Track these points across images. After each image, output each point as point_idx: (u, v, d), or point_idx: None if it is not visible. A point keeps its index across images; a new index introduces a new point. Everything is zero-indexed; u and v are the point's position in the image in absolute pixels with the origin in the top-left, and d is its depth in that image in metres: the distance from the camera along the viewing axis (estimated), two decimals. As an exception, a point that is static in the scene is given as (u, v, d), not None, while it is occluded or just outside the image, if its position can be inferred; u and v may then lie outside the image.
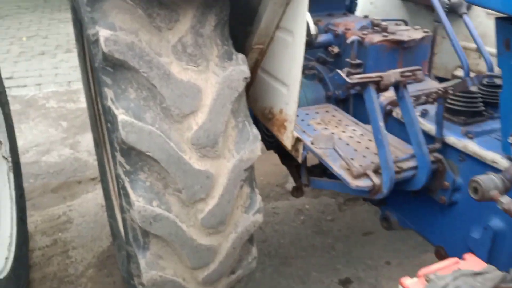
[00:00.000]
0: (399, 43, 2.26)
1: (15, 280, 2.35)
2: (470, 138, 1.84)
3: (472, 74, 2.21)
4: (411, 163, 1.87)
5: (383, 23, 2.39)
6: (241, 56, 1.76)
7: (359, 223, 3.35)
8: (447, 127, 1.93)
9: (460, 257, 1.36)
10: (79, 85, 5.49)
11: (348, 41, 2.30)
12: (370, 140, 2.08)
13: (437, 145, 1.90)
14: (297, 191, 2.55)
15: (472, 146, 1.80)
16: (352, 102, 2.44)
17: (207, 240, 1.74)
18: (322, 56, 2.57)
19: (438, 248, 2.04)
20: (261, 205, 1.87)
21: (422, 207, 2.07)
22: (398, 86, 1.78)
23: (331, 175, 2.02)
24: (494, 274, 1.21)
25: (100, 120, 2.75)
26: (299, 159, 2.02)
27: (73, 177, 3.88)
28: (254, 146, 1.76)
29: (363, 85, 1.72)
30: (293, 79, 1.88)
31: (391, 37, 2.26)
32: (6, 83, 4.17)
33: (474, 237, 1.79)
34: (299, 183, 2.42)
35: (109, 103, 1.58)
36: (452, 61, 2.68)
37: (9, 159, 2.70)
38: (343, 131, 2.16)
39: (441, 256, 2.03)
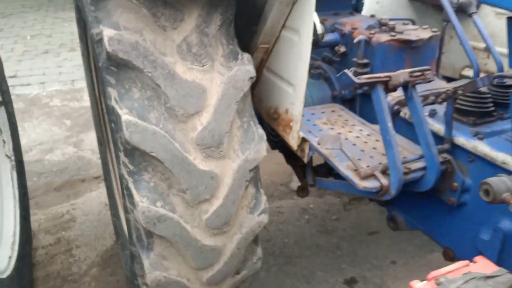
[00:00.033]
0: (407, 43, 2.23)
1: (19, 279, 2.34)
2: (480, 139, 1.82)
3: (481, 74, 2.18)
4: (420, 164, 1.85)
5: (391, 22, 2.36)
6: (246, 55, 1.74)
7: (364, 222, 3.33)
8: (456, 128, 1.90)
9: (469, 259, 1.34)
10: (82, 84, 5.49)
11: (355, 40, 2.27)
12: (377, 140, 2.06)
13: (446, 146, 1.88)
14: (302, 191, 2.53)
15: (482, 147, 1.78)
16: (358, 102, 2.42)
17: (212, 240, 1.73)
18: (328, 56, 2.55)
19: (446, 249, 2.02)
20: (266, 206, 1.86)
21: (430, 207, 2.05)
22: (407, 86, 1.76)
23: (337, 175, 2.00)
24: (505, 277, 1.19)
25: (104, 119, 2.74)
26: (305, 160, 2.00)
27: (76, 176, 3.87)
28: (260, 146, 1.74)
29: (371, 85, 1.69)
30: (299, 79, 1.86)
31: (398, 36, 2.23)
32: (10, 82, 4.18)
33: (483, 239, 1.77)
34: (305, 183, 2.40)
35: (113, 103, 1.56)
36: (460, 60, 2.65)
37: (13, 157, 2.69)
38: (350, 131, 2.14)
39: (449, 257, 2.01)
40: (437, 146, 1.84)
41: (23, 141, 3.60)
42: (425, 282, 1.24)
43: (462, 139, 1.86)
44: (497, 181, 1.35)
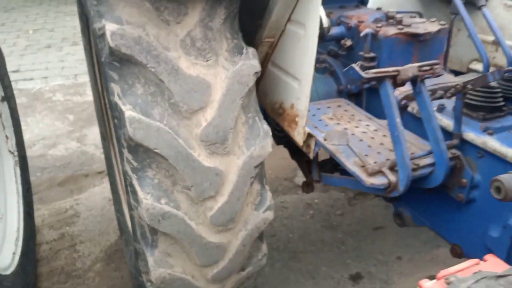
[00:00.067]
0: (415, 36, 2.19)
1: (23, 275, 2.34)
2: (490, 134, 1.79)
3: (491, 69, 2.14)
4: (428, 160, 1.83)
5: (398, 15, 2.32)
6: (251, 50, 1.71)
7: (369, 217, 3.31)
8: (465, 123, 1.88)
9: (477, 256, 1.31)
10: (85, 78, 5.47)
11: (362, 34, 2.24)
12: (384, 135, 2.03)
13: (455, 141, 1.85)
14: (307, 187, 2.51)
15: (491, 143, 1.75)
16: (365, 96, 2.39)
17: (217, 237, 1.72)
18: (334, 49, 2.52)
19: (454, 246, 2.00)
20: (271, 202, 1.84)
21: (438, 204, 2.03)
22: (415, 81, 1.72)
23: (343, 171, 1.98)
24: (517, 277, 1.16)
25: (107, 114, 2.72)
26: (311, 155, 1.98)
27: (80, 171, 3.87)
28: (265, 142, 1.72)
29: (380, 79, 1.66)
30: (305, 74, 1.83)
31: (406, 29, 2.19)
32: (13, 76, 4.17)
33: (492, 236, 1.74)
34: (310, 179, 2.38)
35: (116, 98, 1.54)
36: (467, 54, 2.61)
37: (16, 153, 2.68)
38: (356, 126, 2.11)
39: (456, 254, 1.99)
40: (446, 142, 1.81)
41: (26, 136, 3.58)
42: (434, 281, 1.21)
43: (472, 135, 1.83)
44: (508, 178, 1.32)
